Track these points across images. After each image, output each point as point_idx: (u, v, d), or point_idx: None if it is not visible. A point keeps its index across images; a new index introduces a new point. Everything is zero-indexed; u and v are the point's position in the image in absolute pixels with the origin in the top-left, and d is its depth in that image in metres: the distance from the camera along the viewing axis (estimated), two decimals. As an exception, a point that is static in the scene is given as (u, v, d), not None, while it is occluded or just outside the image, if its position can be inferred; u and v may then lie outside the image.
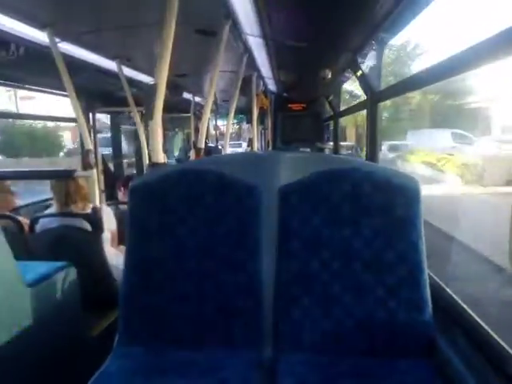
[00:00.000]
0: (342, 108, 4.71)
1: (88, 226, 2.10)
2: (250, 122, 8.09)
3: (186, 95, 4.81)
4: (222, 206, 1.28)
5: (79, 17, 2.06)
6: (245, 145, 12.88)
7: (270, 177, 1.32)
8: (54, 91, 3.23)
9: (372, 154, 2.31)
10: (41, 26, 2.02)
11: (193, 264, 1.27)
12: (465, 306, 1.25)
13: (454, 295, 1.32)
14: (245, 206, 1.27)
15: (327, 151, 5.65)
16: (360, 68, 2.54)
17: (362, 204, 1.24)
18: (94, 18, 2.10)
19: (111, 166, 4.49)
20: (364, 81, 2.51)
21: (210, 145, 7.12)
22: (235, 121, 11.46)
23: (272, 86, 5.00)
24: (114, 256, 2.26)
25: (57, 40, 2.14)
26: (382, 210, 1.23)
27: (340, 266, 1.23)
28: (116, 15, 2.07)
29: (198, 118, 6.21)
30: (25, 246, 2.08)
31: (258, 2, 1.91)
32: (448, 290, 1.36)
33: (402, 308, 1.21)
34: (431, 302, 1.22)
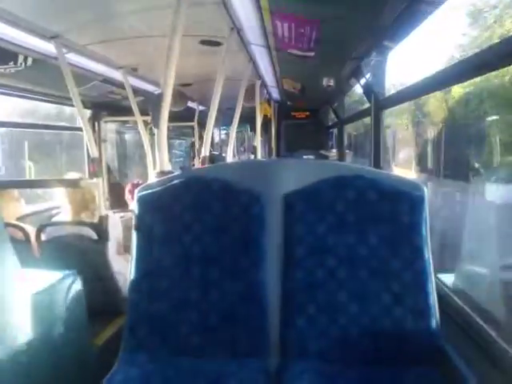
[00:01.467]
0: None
1: (94, 235, 2.11)
2: (252, 130, 8.14)
3: (191, 104, 4.85)
4: (227, 214, 1.28)
5: (86, 28, 2.09)
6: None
7: (275, 184, 1.33)
8: (61, 101, 3.27)
9: (376, 161, 2.31)
10: (48, 37, 2.05)
11: (198, 272, 1.27)
12: (472, 314, 1.24)
13: (461, 303, 1.31)
14: (250, 213, 1.28)
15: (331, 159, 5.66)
16: (364, 76, 2.56)
17: (368, 211, 1.24)
18: (100, 29, 2.13)
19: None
20: (368, 88, 2.52)
21: (214, 152, 7.15)
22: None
23: (275, 95, 5.03)
24: (120, 263, 2.27)
25: (64, 51, 2.17)
26: (388, 216, 1.23)
27: (346, 273, 1.23)
28: (122, 26, 2.10)
29: (202, 126, 6.25)
30: (31, 255, 2.09)
31: (263, 13, 1.93)
32: (455, 297, 1.35)
33: (408, 316, 1.20)
34: (438, 309, 1.21)
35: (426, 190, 1.26)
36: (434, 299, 1.21)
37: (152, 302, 1.27)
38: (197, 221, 1.28)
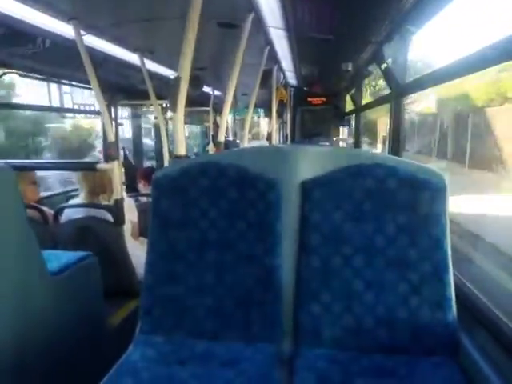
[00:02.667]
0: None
1: (110, 217, 2.13)
2: (267, 115, 8.05)
3: (206, 89, 4.82)
4: (243, 200, 1.27)
5: (104, 10, 2.08)
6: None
7: (291, 171, 1.31)
8: (79, 84, 3.28)
9: (395, 149, 2.26)
10: (66, 19, 2.05)
11: (213, 256, 1.27)
12: (490, 305, 1.21)
13: (479, 294, 1.28)
14: (266, 200, 1.27)
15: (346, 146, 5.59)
16: (385, 61, 2.48)
17: (386, 200, 1.21)
18: (118, 11, 2.12)
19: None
20: (389, 74, 2.45)
21: (229, 139, 7.14)
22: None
23: (292, 80, 4.95)
24: (135, 246, 2.30)
25: (82, 33, 2.16)
26: (406, 205, 1.20)
27: (362, 262, 1.21)
28: (140, 8, 2.08)
29: (217, 111, 6.24)
30: (49, 236, 2.13)
31: None
32: (473, 288, 1.32)
33: (424, 306, 1.19)
34: (455, 301, 1.19)
35: (446, 178, 1.22)
36: (451, 290, 1.19)
37: (167, 284, 1.28)
38: (213, 206, 1.28)
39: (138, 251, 2.23)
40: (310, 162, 1.30)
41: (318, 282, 1.23)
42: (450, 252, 1.20)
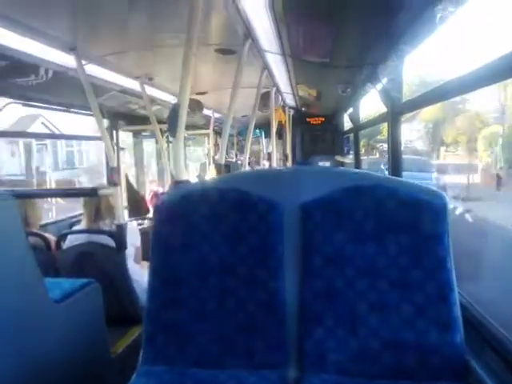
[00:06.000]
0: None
1: (113, 243, 2.14)
2: (267, 136, 8.14)
3: (206, 112, 4.89)
4: (244, 224, 1.27)
5: (104, 39, 2.14)
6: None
7: (292, 193, 1.31)
8: (80, 111, 3.34)
9: (395, 169, 2.26)
10: (68, 50, 2.10)
11: (215, 281, 1.27)
12: (498, 327, 1.19)
13: (485, 315, 1.26)
14: (267, 222, 1.27)
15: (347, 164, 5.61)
16: (380, 81, 2.53)
17: (387, 220, 1.21)
18: (118, 41, 2.18)
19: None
20: (385, 94, 2.49)
21: (229, 160, 7.18)
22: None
23: (290, 101, 5.02)
24: (138, 271, 2.29)
25: (83, 62, 2.22)
26: (408, 226, 1.20)
27: (365, 283, 1.20)
28: (139, 37, 2.14)
29: (218, 133, 6.30)
30: (52, 263, 2.13)
31: (277, 20, 1.93)
32: (479, 309, 1.30)
33: (431, 328, 1.16)
34: (462, 322, 1.17)
35: (447, 198, 1.23)
36: (457, 311, 1.17)
37: (169, 311, 1.27)
38: (214, 230, 1.28)
39: (140, 277, 2.22)
40: (310, 184, 1.31)
41: (321, 306, 1.22)
42: (454, 272, 1.19)
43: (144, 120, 3.51)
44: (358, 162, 4.65)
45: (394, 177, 1.55)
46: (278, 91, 3.94)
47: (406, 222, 1.20)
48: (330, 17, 1.93)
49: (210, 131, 5.44)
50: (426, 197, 1.22)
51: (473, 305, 1.34)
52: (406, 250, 1.19)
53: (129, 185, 4.02)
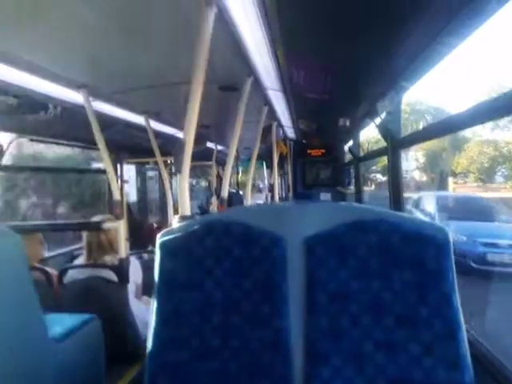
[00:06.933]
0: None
1: (115, 277, 2.12)
2: (268, 167, 8.22)
3: (209, 144, 4.98)
4: (248, 258, 1.27)
5: (111, 77, 2.22)
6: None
7: (295, 227, 1.32)
8: (86, 145, 3.41)
9: (396, 203, 2.27)
10: (77, 88, 2.18)
11: (219, 318, 1.25)
12: (507, 365, 1.16)
13: (494, 353, 1.24)
14: (270, 257, 1.27)
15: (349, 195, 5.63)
16: (379, 115, 2.59)
17: (391, 256, 1.21)
18: (125, 79, 2.26)
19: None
20: (383, 128, 2.54)
21: (232, 190, 7.23)
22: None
23: (291, 134, 5.12)
24: (138, 307, 2.26)
25: (90, 99, 2.29)
26: (412, 261, 1.20)
27: (371, 321, 1.19)
28: (146, 75, 2.22)
29: (220, 164, 6.38)
30: (53, 297, 2.11)
31: (279, 59, 2.01)
32: (488, 347, 1.28)
33: (439, 366, 1.14)
34: (471, 360, 1.15)
35: (450, 233, 1.23)
36: (466, 349, 1.15)
37: (172, 350, 1.25)
38: (218, 265, 1.28)
39: (141, 312, 2.19)
40: (313, 218, 1.31)
41: (327, 344, 1.19)
42: (460, 308, 1.18)
43: (148, 152, 3.57)
44: (359, 196, 4.63)
45: (395, 211, 1.56)
46: (280, 125, 4.03)
47: (410, 258, 1.20)
48: (330, 55, 2.01)
49: (213, 163, 5.51)
50: (429, 231, 1.22)
51: (481, 342, 1.31)
52: (411, 286, 1.19)
53: (132, 217, 4.03)
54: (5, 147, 2.55)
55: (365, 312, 1.19)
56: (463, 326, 1.16)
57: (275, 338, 1.22)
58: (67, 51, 1.77)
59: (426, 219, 1.33)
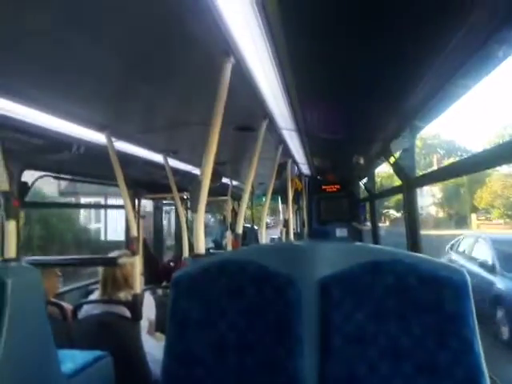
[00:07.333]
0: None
1: (128, 313, 2.12)
2: (283, 202, 8.24)
3: (224, 179, 5.06)
4: (262, 298, 1.26)
5: (133, 120, 2.33)
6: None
7: (309, 268, 1.31)
8: (105, 182, 3.52)
9: (413, 244, 2.24)
10: (99, 129, 2.29)
11: (233, 360, 1.23)
12: None
13: None
14: (285, 298, 1.26)
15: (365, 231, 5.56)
16: (393, 155, 2.61)
17: (408, 298, 1.19)
18: (146, 120, 2.37)
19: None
20: (398, 167, 2.56)
21: (246, 225, 7.22)
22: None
23: (306, 170, 5.17)
24: (151, 344, 2.23)
25: (112, 139, 2.40)
26: (430, 304, 1.17)
27: (389, 367, 1.15)
28: (165, 117, 2.32)
29: (235, 199, 6.43)
30: (67, 333, 2.12)
31: (293, 101, 2.09)
32: None
33: None
34: None
35: (467, 275, 1.21)
36: None
37: None
38: (232, 305, 1.27)
39: (153, 349, 2.17)
40: (328, 259, 1.30)
41: None
42: (482, 354, 1.13)
43: (164, 187, 3.64)
44: (376, 234, 4.54)
45: (411, 252, 1.54)
46: (294, 162, 4.09)
47: (427, 300, 1.17)
48: (343, 97, 2.07)
49: (228, 198, 5.56)
50: (445, 273, 1.20)
51: None
52: (431, 331, 1.15)
53: (147, 253, 4.05)
54: (30, 184, 2.65)
55: (383, 357, 1.15)
56: (486, 374, 1.11)
57: (289, 383, 1.19)
58: (91, 96, 1.88)
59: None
